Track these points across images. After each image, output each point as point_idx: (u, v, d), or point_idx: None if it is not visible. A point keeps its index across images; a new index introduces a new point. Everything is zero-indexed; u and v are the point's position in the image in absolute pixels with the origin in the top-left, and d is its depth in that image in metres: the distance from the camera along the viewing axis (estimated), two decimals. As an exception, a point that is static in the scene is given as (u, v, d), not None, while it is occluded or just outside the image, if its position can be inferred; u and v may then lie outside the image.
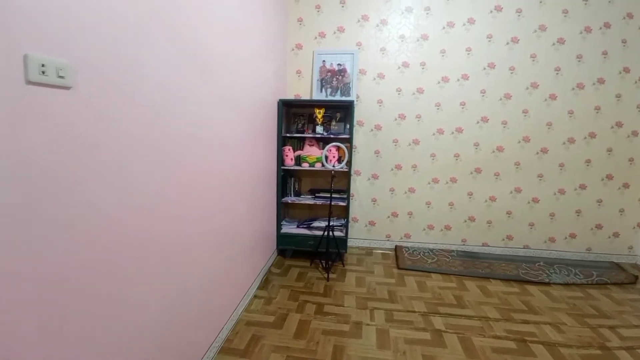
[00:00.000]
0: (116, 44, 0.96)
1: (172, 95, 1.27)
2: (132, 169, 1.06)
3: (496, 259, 3.09)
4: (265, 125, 2.58)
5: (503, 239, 3.22)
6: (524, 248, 3.21)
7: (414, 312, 2.23)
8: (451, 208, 3.23)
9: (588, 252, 3.17)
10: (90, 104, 0.88)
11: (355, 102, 3.05)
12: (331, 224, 2.89)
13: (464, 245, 3.27)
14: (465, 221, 3.23)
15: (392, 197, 3.27)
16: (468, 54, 2.98)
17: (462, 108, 3.05)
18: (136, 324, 1.12)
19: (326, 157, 2.87)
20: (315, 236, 2.98)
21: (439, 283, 2.66)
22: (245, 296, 2.22)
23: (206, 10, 1.53)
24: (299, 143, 3.11)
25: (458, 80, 3.02)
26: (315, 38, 3.11)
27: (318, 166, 2.96)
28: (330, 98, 3.09)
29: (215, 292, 1.77)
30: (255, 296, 2.37)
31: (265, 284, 2.57)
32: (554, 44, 2.91)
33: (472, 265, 2.95)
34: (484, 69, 2.98)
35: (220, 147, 1.77)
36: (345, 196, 3.04)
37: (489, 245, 3.24)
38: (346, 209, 2.97)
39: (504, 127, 3.04)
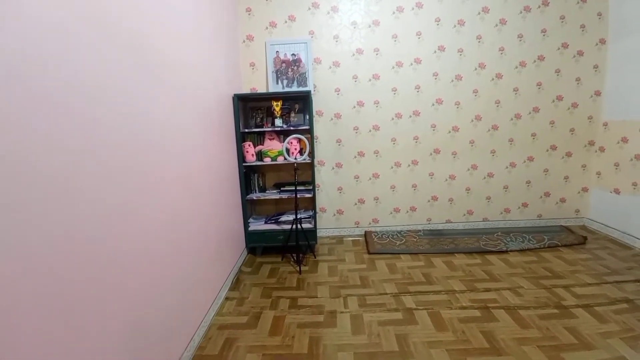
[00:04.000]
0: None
1: (109, 97, 1.17)
2: (74, 184, 0.96)
3: (459, 234, 3.25)
4: (221, 123, 2.49)
5: (464, 214, 3.38)
6: (483, 221, 3.40)
7: (386, 294, 2.28)
8: (414, 190, 3.32)
9: (539, 219, 3.42)
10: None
11: (312, 92, 3.02)
12: (299, 216, 2.87)
13: (429, 224, 3.40)
14: (429, 201, 3.35)
15: (357, 184, 3.31)
16: (419, 38, 3.03)
17: (418, 91, 3.12)
18: (97, 341, 1.04)
19: (287, 150, 2.83)
20: (284, 230, 2.94)
21: (408, 263, 2.74)
22: (216, 300, 2.15)
23: (143, 1, 1.41)
24: (259, 138, 3.04)
25: (411, 64, 3.07)
26: (267, 28, 3.02)
27: (280, 160, 2.91)
28: (287, 89, 3.03)
29: (183, 300, 1.69)
30: (226, 298, 2.31)
31: (236, 284, 2.51)
32: (496, 25, 3.04)
33: (437, 243, 3.07)
34: (435, 52, 3.06)
35: (174, 149, 1.68)
36: (310, 188, 3.02)
37: (452, 222, 3.40)
38: (313, 200, 2.96)
39: (457, 107, 3.16)
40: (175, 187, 1.68)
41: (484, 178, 3.31)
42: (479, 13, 3.01)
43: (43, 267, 0.87)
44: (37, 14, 0.88)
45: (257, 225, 3.05)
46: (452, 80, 3.11)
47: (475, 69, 3.10)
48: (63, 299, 0.93)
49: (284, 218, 3.06)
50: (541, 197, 3.38)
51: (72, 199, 0.98)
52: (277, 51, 3.01)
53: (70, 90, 0.99)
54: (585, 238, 3.04)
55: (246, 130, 2.90)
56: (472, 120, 3.19)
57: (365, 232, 3.37)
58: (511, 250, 2.88)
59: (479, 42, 3.06)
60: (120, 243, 1.20)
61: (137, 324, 1.28)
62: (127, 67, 1.29)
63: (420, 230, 3.36)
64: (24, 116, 0.83)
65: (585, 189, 3.35)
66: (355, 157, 3.25)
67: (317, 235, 3.03)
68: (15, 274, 0.79)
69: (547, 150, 3.28)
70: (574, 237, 3.08)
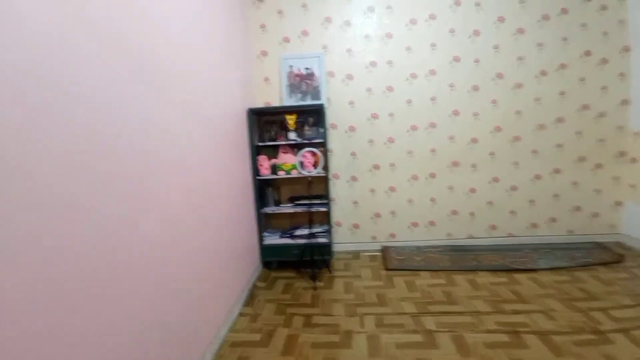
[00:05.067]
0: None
1: (122, 114, 1.18)
2: (80, 201, 0.96)
3: (483, 251, 3.08)
4: (236, 137, 2.50)
5: (487, 229, 3.22)
6: (508, 236, 3.22)
7: (405, 314, 2.16)
8: (433, 203, 3.21)
9: (570, 235, 3.20)
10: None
11: (326, 105, 3.01)
12: (313, 230, 2.80)
13: (449, 239, 3.25)
14: (448, 215, 3.21)
15: (373, 198, 3.23)
16: (433, 49, 3.00)
17: (433, 103, 3.06)
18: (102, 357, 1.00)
19: (301, 164, 2.80)
20: (299, 245, 2.88)
21: (427, 281, 2.61)
22: (229, 315, 2.10)
23: (156, 19, 1.44)
24: (273, 151, 3.03)
25: (426, 75, 3.03)
26: (280, 43, 3.06)
27: (294, 173, 2.88)
28: (300, 103, 3.04)
29: (195, 316, 1.65)
30: (240, 314, 2.25)
31: (250, 299, 2.45)
32: (514, 34, 2.97)
33: (459, 260, 2.92)
34: (450, 62, 3.01)
35: (188, 164, 1.69)
36: (325, 201, 2.97)
37: (474, 237, 3.23)
38: (328, 215, 2.90)
39: (476, 118, 3.06)
40: (187, 200, 1.67)
41: (507, 191, 3.15)
42: (495, 23, 2.95)
43: (41, 280, 0.85)
44: (41, 28, 0.89)
45: (272, 239, 3.01)
46: (469, 91, 3.03)
47: (493, 79, 3.02)
48: (62, 302, 0.90)
49: (298, 232, 3.00)
50: (570, 211, 3.18)
51: (74, 210, 0.96)
52: (291, 65, 3.04)
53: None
54: (621, 256, 2.82)
55: (260, 143, 2.91)
56: (492, 131, 3.07)
57: (383, 247, 3.26)
58: (541, 269, 2.69)
59: (496, 51, 2.98)
60: (127, 257, 1.18)
61: (145, 343, 1.24)
62: (135, 83, 1.30)
63: (440, 246, 3.21)
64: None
65: (619, 203, 3.13)
66: (370, 169, 3.18)
67: (333, 250, 2.95)
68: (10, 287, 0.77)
69: (575, 162, 3.10)
70: (609, 255, 2.85)
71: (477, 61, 2.99)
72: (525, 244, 3.16)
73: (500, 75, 3.01)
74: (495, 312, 2.12)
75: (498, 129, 3.07)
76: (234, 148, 2.46)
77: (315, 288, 2.57)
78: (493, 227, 3.21)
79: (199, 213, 1.81)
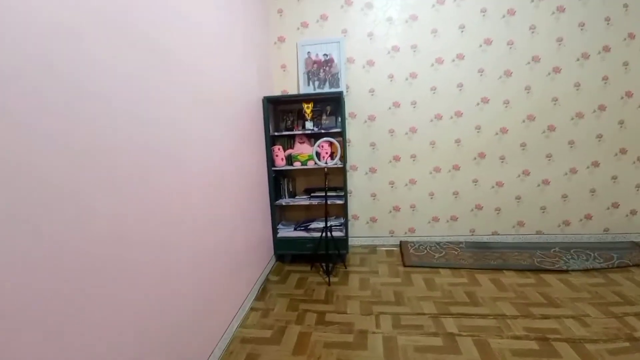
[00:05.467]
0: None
1: (134, 102, 1.11)
2: (88, 200, 0.90)
3: (508, 248, 2.90)
4: (251, 126, 2.42)
5: (514, 226, 3.03)
6: (536, 234, 3.02)
7: (424, 314, 2.05)
8: (456, 197, 3.04)
9: (606, 233, 2.97)
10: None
11: (345, 93, 2.87)
12: (329, 224, 2.71)
13: (472, 235, 3.08)
14: (472, 210, 3.04)
15: (392, 191, 3.09)
16: (462, 31, 2.77)
17: (460, 90, 2.85)
18: (107, 354, 0.96)
19: (318, 154, 2.70)
20: (314, 238, 2.81)
21: (448, 279, 2.48)
22: (240, 310, 2.06)
23: (170, 5, 1.35)
24: (289, 141, 2.94)
25: (453, 60, 2.82)
26: (298, 29, 2.93)
27: (311, 164, 2.78)
28: (318, 91, 2.91)
29: (205, 312, 1.61)
30: (251, 309, 2.21)
31: (262, 294, 2.41)
32: (553, 13, 2.70)
33: (482, 257, 2.76)
34: (480, 46, 2.78)
35: (205, 158, 1.64)
36: (342, 194, 2.86)
37: (499, 234, 3.05)
38: (344, 207, 2.80)
39: (506, 106, 2.84)
40: (201, 191, 1.62)
41: (538, 185, 2.94)
42: (533, 0, 2.68)
43: (48, 283, 0.80)
44: (52, 18, 0.82)
45: (286, 232, 2.95)
46: (500, 77, 2.80)
47: (528, 62, 2.77)
48: (72, 304, 0.86)
49: (314, 225, 2.92)
50: (608, 208, 2.93)
51: (88, 204, 0.91)
52: (309, 52, 2.91)
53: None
54: (665, 258, 2.58)
55: (276, 133, 2.82)
56: (524, 121, 2.85)
57: (401, 242, 3.13)
58: (573, 270, 2.50)
59: (533, 33, 2.73)
60: (140, 250, 1.12)
61: (151, 334, 1.20)
62: (150, 71, 1.23)
63: (462, 242, 3.05)
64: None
65: (664, 200, 2.85)
66: (390, 161, 3.04)
67: (349, 244, 2.85)
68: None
69: (616, 155, 2.84)
70: (649, 256, 2.62)
71: (511, 44, 2.75)
72: (556, 243, 2.95)
73: (536, 59, 2.75)
74: (522, 316, 1.97)
75: (531, 118, 2.83)
76: (250, 138, 2.39)
77: (329, 283, 2.49)
78: (521, 224, 3.02)
79: (214, 208, 1.77)
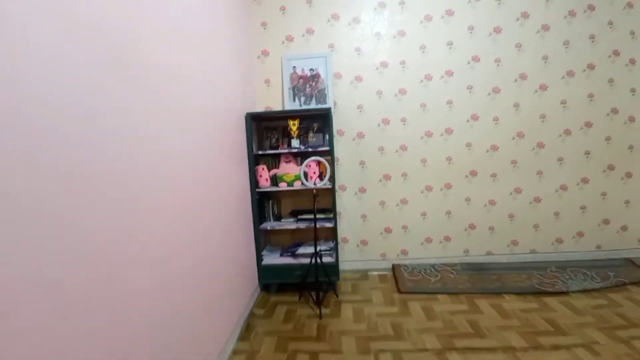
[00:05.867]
0: None
1: (90, 117, 0.89)
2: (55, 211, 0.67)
3: (504, 269, 2.79)
4: (233, 144, 2.22)
5: (508, 245, 2.93)
6: (531, 253, 2.93)
7: (426, 350, 1.86)
8: (449, 217, 2.92)
9: (598, 250, 2.92)
10: None
11: (332, 110, 2.73)
12: (318, 249, 2.51)
13: (467, 256, 2.96)
14: (466, 229, 2.93)
15: (383, 211, 2.94)
16: (450, 48, 2.73)
17: (450, 107, 2.79)
18: None
19: (305, 174, 2.52)
20: (302, 265, 2.59)
21: (448, 306, 2.31)
22: (221, 355, 1.79)
23: (143, 6, 1.17)
24: (274, 161, 2.75)
25: (442, 77, 2.76)
26: (283, 42, 2.80)
27: (297, 185, 2.60)
28: (304, 107, 2.76)
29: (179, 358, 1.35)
30: (234, 352, 1.94)
31: (246, 332, 2.14)
32: (538, 31, 2.71)
33: (480, 280, 2.63)
34: (468, 62, 2.74)
35: (178, 178, 1.41)
36: (331, 216, 2.68)
37: (493, 254, 2.94)
38: (334, 230, 2.61)
39: (496, 123, 2.79)
40: (175, 220, 1.39)
41: (530, 203, 2.87)
42: (518, 19, 2.69)
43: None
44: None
45: (272, 258, 2.71)
46: (489, 94, 2.76)
47: (516, 80, 2.75)
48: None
49: (301, 250, 2.71)
50: (599, 224, 2.90)
51: (56, 225, 0.67)
52: (294, 66, 2.77)
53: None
54: (659, 275, 2.54)
55: (260, 152, 2.62)
56: (514, 138, 2.80)
57: (393, 265, 2.96)
58: (573, 291, 2.41)
59: (519, 50, 2.72)
60: (82, 304, 0.88)
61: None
62: (100, 69, 1.02)
63: (457, 264, 2.92)
64: None
65: (652, 215, 2.85)
66: (380, 180, 2.90)
67: (340, 268, 2.64)
68: None
69: (604, 171, 2.83)
70: (644, 273, 2.58)
71: (498, 61, 2.73)
72: (550, 261, 2.87)
73: (523, 76, 2.74)
74: (532, 348, 1.82)
75: (520, 135, 2.80)
76: (231, 157, 2.18)
77: (320, 316, 2.27)
78: (514, 243, 2.93)
79: (188, 234, 1.53)
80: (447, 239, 2.95)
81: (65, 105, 0.86)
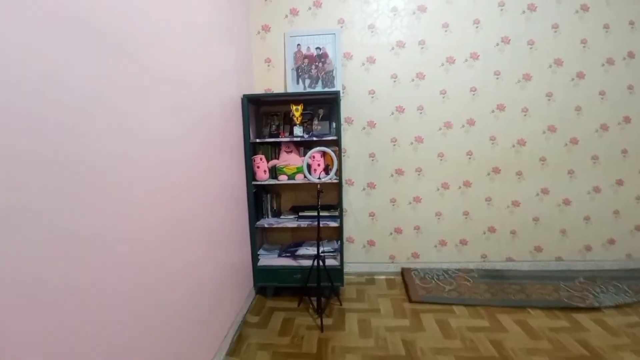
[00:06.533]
0: None
1: (61, 99, 0.61)
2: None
3: (527, 278, 2.51)
4: (226, 130, 1.93)
5: (531, 251, 2.65)
6: (556, 260, 2.65)
7: (446, 376, 1.60)
8: (466, 218, 2.63)
9: (628, 259, 2.64)
10: None
11: (341, 94, 2.42)
12: (321, 251, 2.24)
13: (484, 262, 2.68)
14: (485, 233, 2.64)
15: (393, 210, 2.65)
16: (476, 27, 2.40)
17: (473, 95, 2.47)
18: None
19: (309, 166, 2.23)
20: (302, 267, 2.32)
21: (466, 321, 2.04)
22: (206, 374, 1.53)
23: None
24: (273, 150, 2.45)
25: (466, 60, 2.44)
26: (286, 17, 2.47)
27: (299, 178, 2.31)
28: (309, 90, 2.45)
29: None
30: (222, 369, 1.68)
31: (237, 344, 1.88)
32: (577, 12, 2.38)
33: (500, 290, 2.35)
34: (497, 45, 2.42)
35: (162, 168, 1.16)
36: (336, 214, 2.40)
37: (514, 260, 2.66)
38: (339, 231, 2.32)
39: (525, 115, 2.48)
40: (159, 215, 1.11)
41: (558, 206, 2.58)
42: (556, -4, 2.36)
43: None
44: None
45: (269, 258, 2.44)
46: (519, 81, 2.44)
47: (550, 66, 2.43)
48: None
49: (302, 251, 2.43)
50: (631, 231, 2.61)
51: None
52: (299, 44, 2.45)
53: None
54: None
55: (258, 140, 2.32)
56: (544, 132, 2.49)
57: (403, 269, 2.69)
58: (605, 307, 2.14)
59: (555, 32, 2.39)
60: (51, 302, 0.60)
61: None
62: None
63: (473, 270, 2.64)
64: None
65: (693, 223, 2.56)
66: (392, 175, 2.60)
67: (344, 270, 2.36)
68: None
69: (642, 172, 2.53)
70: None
71: (531, 44, 2.40)
72: (577, 270, 2.60)
73: (558, 62, 2.42)
74: (570, 379, 1.55)
75: (552, 129, 2.48)
76: (224, 145, 1.89)
77: (322, 328, 2.00)
78: (538, 249, 2.64)
79: (174, 231, 1.27)
80: (464, 242, 2.66)
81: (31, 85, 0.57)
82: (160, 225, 1.19)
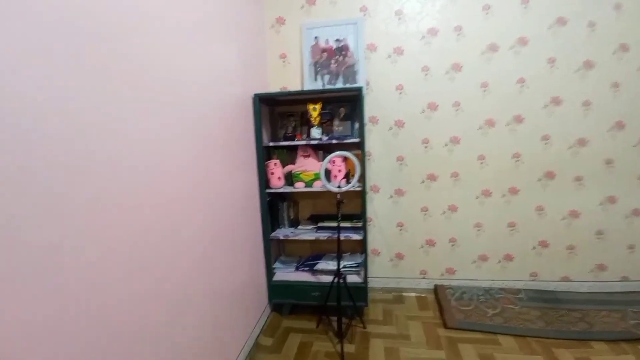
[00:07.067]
0: None
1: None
2: None
3: (586, 302, 2.12)
4: (236, 134, 1.74)
5: (592, 270, 2.24)
6: (621, 281, 2.23)
7: None
8: (512, 230, 2.27)
9: None
10: None
11: (364, 91, 2.15)
12: (342, 265, 1.99)
13: (534, 281, 2.31)
14: (535, 248, 2.27)
15: (425, 220, 2.35)
16: (524, 7, 2.05)
17: (521, 87, 2.12)
18: None
19: (327, 173, 1.99)
20: (321, 284, 2.08)
21: (515, 357, 1.71)
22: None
23: None
24: (289, 155, 2.24)
25: (512, 47, 2.09)
26: (302, 7, 2.24)
27: (318, 185, 2.07)
28: (328, 87, 2.21)
29: None
30: (228, 405, 1.49)
31: (247, 372, 1.68)
32: (650, -16, 1.96)
33: (556, 318, 1.99)
34: (550, 27, 2.05)
35: (158, 176, 1.00)
36: (360, 224, 2.14)
37: (570, 280, 2.27)
38: (363, 243, 2.06)
39: (586, 109, 2.09)
40: (148, 224, 0.94)
41: (627, 217, 2.16)
42: (622, -33, 1.95)
43: None
44: None
45: (285, 273, 2.23)
46: (579, 69, 2.06)
47: (615, 52, 2.02)
48: None
49: (321, 265, 2.20)
50: None
51: None
52: (316, 37, 2.22)
53: None
54: None
55: (272, 144, 2.11)
56: (610, 130, 2.09)
57: (436, 286, 2.38)
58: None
59: (618, 12, 1.99)
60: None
61: None
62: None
63: (520, 290, 2.28)
64: None
65: None
66: (423, 181, 2.30)
67: (368, 286, 2.10)
68: None
69: None
70: None
71: (591, 26, 2.01)
72: (648, 293, 2.17)
73: (625, 47, 2.01)
74: None
75: (620, 126, 2.08)
76: (233, 150, 1.70)
77: (342, 357, 1.75)
78: (601, 268, 2.23)
79: (174, 245, 1.10)
80: (509, 258, 2.30)
81: None
82: (163, 241, 1.01)
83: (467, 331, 1.93)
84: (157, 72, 1.09)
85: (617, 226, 2.17)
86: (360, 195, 2.06)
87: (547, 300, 2.17)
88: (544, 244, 2.25)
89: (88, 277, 0.80)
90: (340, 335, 1.86)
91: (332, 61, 2.21)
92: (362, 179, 1.96)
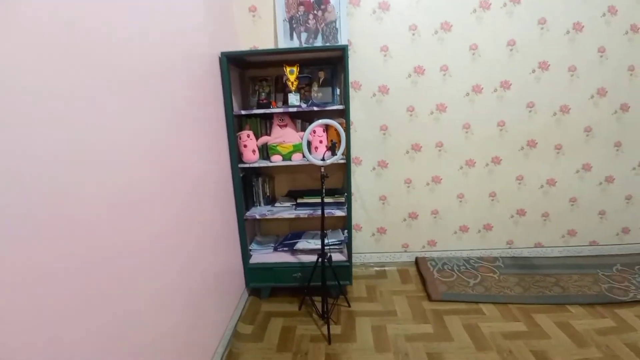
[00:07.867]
0: None
1: None
2: None
3: (558, 267, 2.21)
4: (198, 101, 1.45)
5: (563, 236, 2.32)
6: (589, 245, 2.34)
7: (488, 406, 1.29)
8: (492, 200, 2.26)
9: (667, 242, 2.34)
10: None
11: (348, 51, 1.92)
12: (325, 242, 1.86)
13: (509, 248, 2.35)
14: (513, 216, 2.29)
15: (408, 192, 2.26)
16: (519, -39, 1.88)
17: (510, 51, 2.00)
18: None
19: (308, 145, 1.79)
20: (302, 264, 1.96)
21: (499, 325, 1.73)
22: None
23: None
24: (264, 124, 1.99)
25: (505, 5, 1.94)
26: (275, -52, 1.90)
27: (297, 158, 1.87)
28: (307, 46, 1.94)
29: None
30: (208, 403, 1.35)
31: (228, 364, 1.55)
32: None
33: (533, 283, 2.04)
34: (543, -15, 1.91)
35: (108, 155, 0.71)
36: (342, 200, 2.00)
37: (543, 246, 2.34)
38: (347, 220, 1.94)
39: (572, 75, 2.03)
40: (107, 210, 0.70)
41: (600, 184, 2.22)
42: None
43: None
44: None
45: (263, 254, 2.07)
46: (568, 32, 1.97)
47: (603, 14, 1.95)
48: None
49: (302, 245, 2.05)
50: (674, 211, 2.29)
51: None
52: (292, -14, 1.91)
53: None
54: None
55: (243, 112, 1.84)
56: (592, 97, 2.07)
57: (417, 259, 2.35)
58: (650, 299, 1.85)
59: (616, -32, 1.89)
60: None
61: None
62: None
63: (497, 258, 2.32)
64: None
65: None
66: (407, 152, 2.18)
67: (352, 262, 2.00)
68: None
69: (698, 143, 2.15)
70: None
71: (584, -17, 1.91)
72: (612, 256, 2.31)
73: (612, 10, 1.94)
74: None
75: (602, 93, 2.06)
76: (200, 120, 1.43)
77: (329, 340, 1.67)
78: (572, 233, 2.32)
79: (133, 229, 0.86)
80: (488, 227, 2.31)
81: None
82: (117, 221, 0.78)
83: (451, 302, 1.92)
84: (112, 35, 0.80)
85: (590, 193, 2.23)
86: (344, 169, 1.90)
87: (523, 266, 2.22)
88: (521, 212, 2.28)
89: (48, 270, 0.57)
90: (326, 318, 1.76)
91: (310, 16, 1.93)
92: (346, 151, 1.79)
